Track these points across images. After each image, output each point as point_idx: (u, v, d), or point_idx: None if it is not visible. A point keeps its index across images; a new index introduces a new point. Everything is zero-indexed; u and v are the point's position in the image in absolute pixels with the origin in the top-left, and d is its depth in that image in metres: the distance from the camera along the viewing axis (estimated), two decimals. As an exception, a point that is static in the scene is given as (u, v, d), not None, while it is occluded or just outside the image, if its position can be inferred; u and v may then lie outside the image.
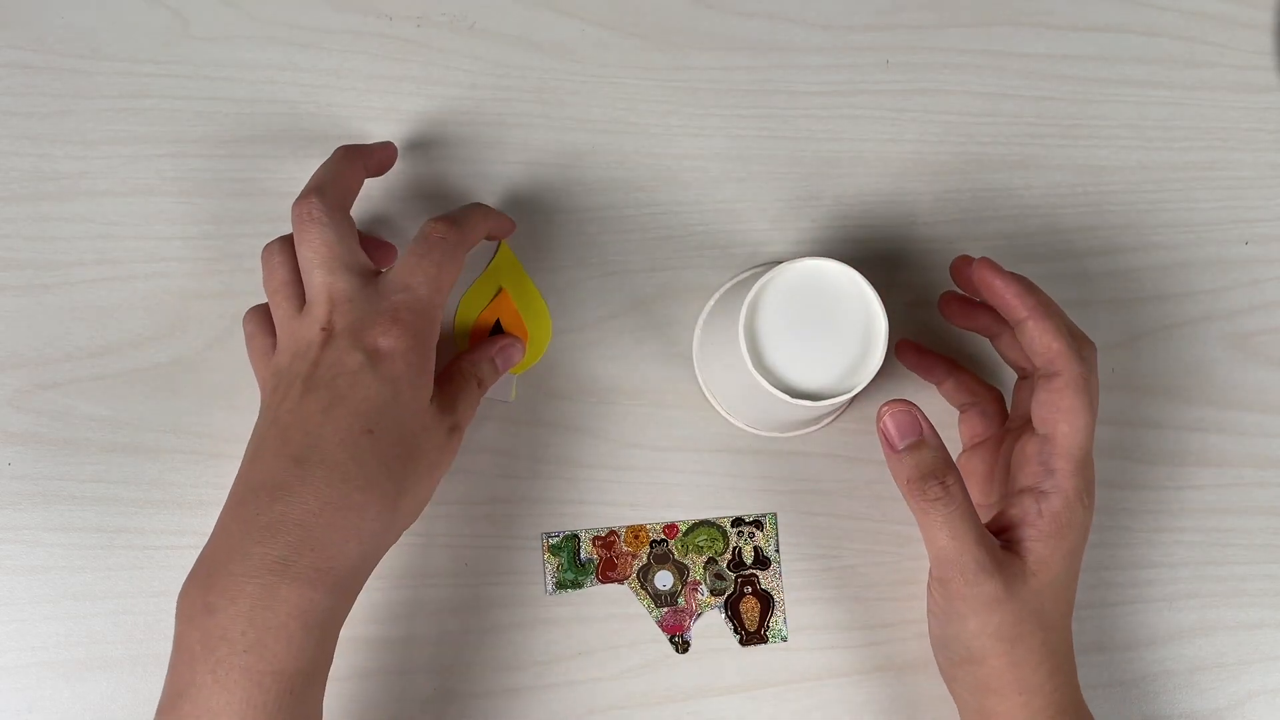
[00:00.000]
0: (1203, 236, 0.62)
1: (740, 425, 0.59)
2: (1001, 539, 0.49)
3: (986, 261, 0.52)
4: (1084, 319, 0.61)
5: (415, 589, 0.58)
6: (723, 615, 0.59)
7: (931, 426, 0.48)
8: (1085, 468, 0.49)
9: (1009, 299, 0.51)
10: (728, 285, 0.59)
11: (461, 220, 0.53)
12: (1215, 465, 0.61)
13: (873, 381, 0.51)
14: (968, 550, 0.47)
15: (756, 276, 0.52)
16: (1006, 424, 0.56)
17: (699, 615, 0.59)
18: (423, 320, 0.49)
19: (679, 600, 0.59)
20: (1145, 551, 0.60)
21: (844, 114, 0.61)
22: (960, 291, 0.57)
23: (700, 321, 0.60)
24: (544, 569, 0.58)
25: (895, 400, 0.49)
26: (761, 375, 0.51)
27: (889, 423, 0.48)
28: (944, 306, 0.58)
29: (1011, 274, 0.51)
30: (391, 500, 0.47)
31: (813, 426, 0.59)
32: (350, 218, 0.52)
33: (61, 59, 0.59)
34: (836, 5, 0.62)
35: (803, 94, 0.61)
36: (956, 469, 0.48)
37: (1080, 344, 0.50)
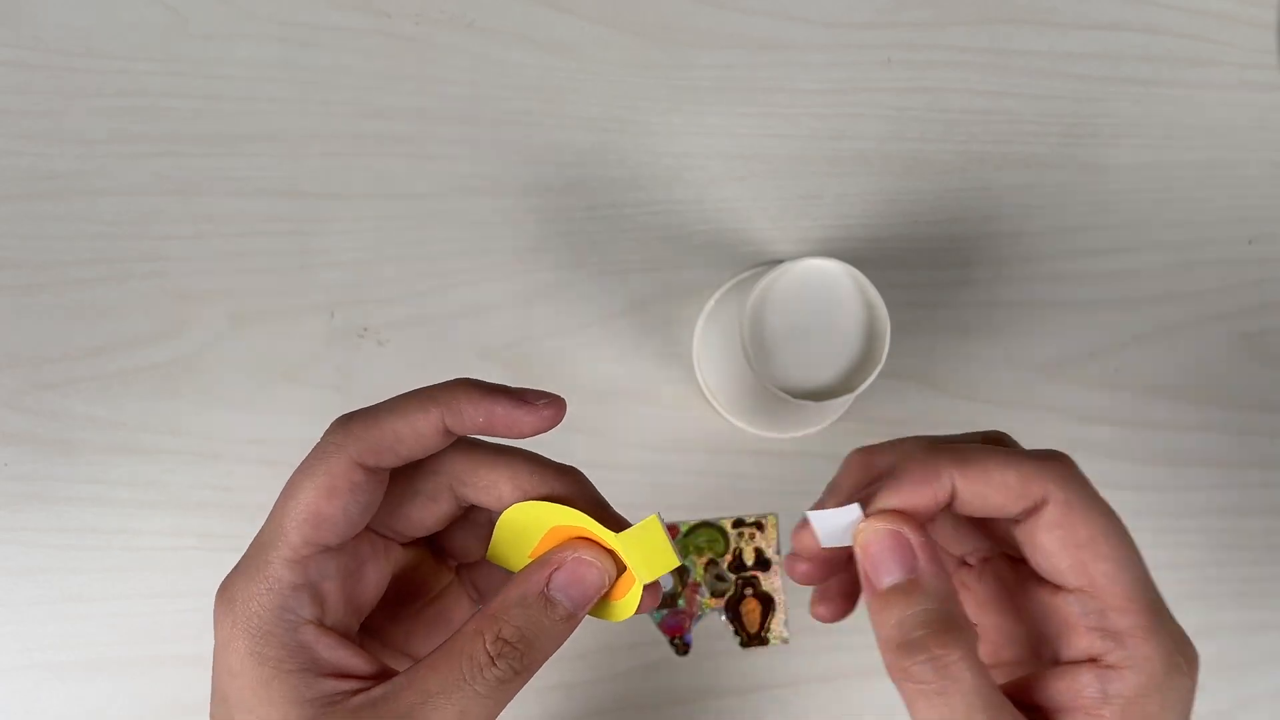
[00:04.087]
0: (1206, 236, 0.62)
1: (740, 425, 0.59)
2: None
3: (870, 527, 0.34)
4: (1087, 319, 0.61)
5: (414, 590, 0.58)
6: (723, 617, 0.59)
7: (933, 553, 0.33)
8: (1162, 612, 0.34)
9: (924, 493, 0.34)
10: (728, 285, 0.59)
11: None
12: (1219, 466, 0.61)
13: (875, 382, 0.51)
14: None
15: (758, 276, 0.51)
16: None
17: (699, 617, 0.59)
18: None
19: (679, 602, 0.58)
20: (1148, 553, 0.59)
21: (845, 112, 0.61)
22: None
23: (700, 321, 0.59)
24: (543, 570, 0.58)
25: (881, 513, 0.33)
26: (762, 375, 0.50)
27: (867, 547, 0.33)
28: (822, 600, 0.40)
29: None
30: None
31: (814, 427, 0.59)
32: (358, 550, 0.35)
33: (59, 57, 0.59)
34: (838, 3, 0.61)
35: (804, 92, 0.61)
36: (966, 631, 0.32)
37: (1046, 459, 0.34)
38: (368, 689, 0.33)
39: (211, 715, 0.34)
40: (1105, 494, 0.61)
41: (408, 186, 0.59)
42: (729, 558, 0.59)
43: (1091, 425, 0.60)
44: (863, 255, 0.60)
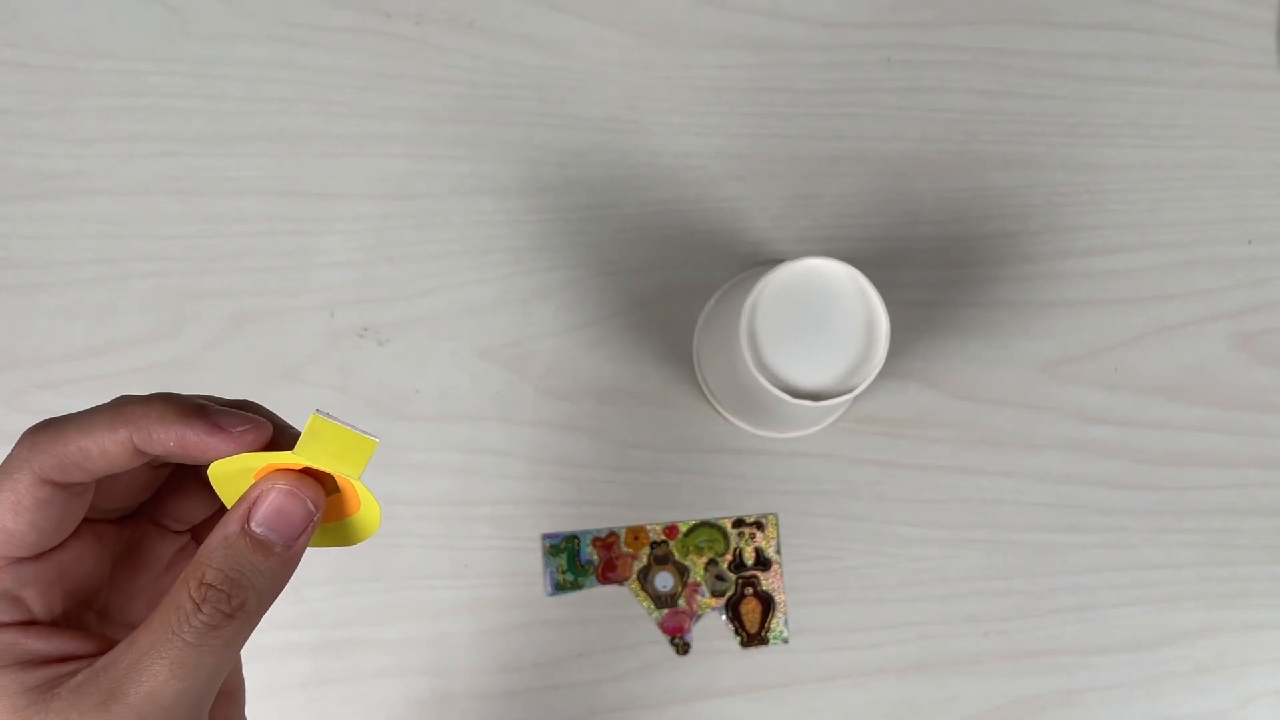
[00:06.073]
0: (1205, 235, 0.62)
1: (740, 425, 0.59)
2: None
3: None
4: (1085, 319, 0.61)
5: (414, 590, 0.57)
6: (723, 617, 0.59)
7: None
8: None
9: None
10: (728, 285, 0.59)
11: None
12: (1218, 466, 0.61)
13: (875, 382, 0.51)
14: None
15: (757, 276, 0.51)
16: None
17: (699, 617, 0.59)
18: None
19: (679, 602, 0.58)
20: (1148, 552, 0.60)
21: (845, 112, 0.61)
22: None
23: (700, 321, 0.59)
24: (544, 570, 0.58)
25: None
26: (762, 375, 0.50)
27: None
28: None
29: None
30: None
31: (814, 427, 0.59)
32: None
33: (59, 57, 0.59)
34: (838, 3, 0.61)
35: (804, 92, 0.61)
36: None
37: None
38: (91, 665, 0.31)
39: None
40: (1105, 494, 0.62)
41: (408, 186, 0.59)
42: (729, 558, 0.59)
43: (1091, 425, 0.60)
44: (863, 255, 0.60)
